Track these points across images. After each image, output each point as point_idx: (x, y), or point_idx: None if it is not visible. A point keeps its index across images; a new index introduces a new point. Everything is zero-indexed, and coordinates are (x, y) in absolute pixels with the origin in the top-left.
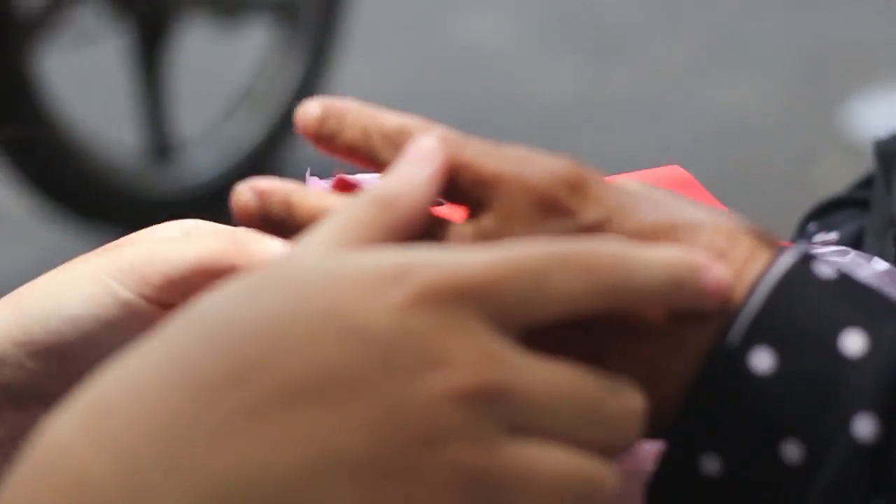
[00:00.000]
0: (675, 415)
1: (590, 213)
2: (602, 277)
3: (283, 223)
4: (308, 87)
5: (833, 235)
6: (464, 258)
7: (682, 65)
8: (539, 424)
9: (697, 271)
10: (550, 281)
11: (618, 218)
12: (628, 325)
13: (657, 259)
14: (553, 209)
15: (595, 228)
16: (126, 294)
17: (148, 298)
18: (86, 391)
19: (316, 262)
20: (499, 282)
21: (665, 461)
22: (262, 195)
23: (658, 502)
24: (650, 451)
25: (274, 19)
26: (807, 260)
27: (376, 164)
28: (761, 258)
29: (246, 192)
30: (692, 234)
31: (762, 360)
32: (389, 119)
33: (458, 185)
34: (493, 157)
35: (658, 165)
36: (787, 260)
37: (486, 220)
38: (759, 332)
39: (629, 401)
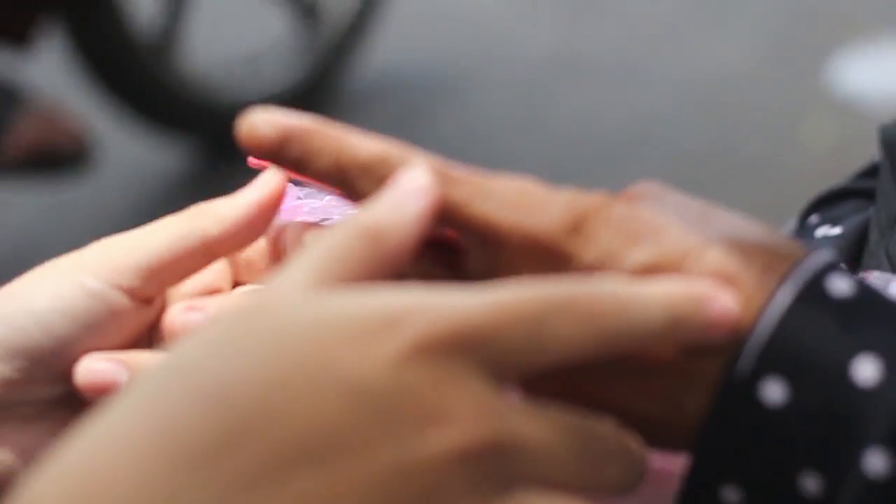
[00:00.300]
0: (693, 447)
1: (587, 255)
2: (602, 323)
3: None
4: (319, 76)
5: (837, 230)
6: (459, 302)
7: (663, 22)
8: (537, 474)
9: (700, 305)
10: (549, 328)
11: (617, 255)
12: (637, 362)
13: (657, 297)
14: (550, 256)
15: (593, 269)
16: (97, 285)
17: (124, 290)
18: (65, 453)
19: (301, 306)
20: (497, 329)
21: (686, 491)
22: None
23: None
24: (661, 468)
25: (294, 12)
26: (822, 275)
27: (352, 194)
28: (773, 278)
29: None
30: (698, 260)
31: (774, 392)
32: (364, 147)
33: (446, 224)
34: (486, 199)
35: (638, 125)
36: (799, 279)
37: (477, 266)
38: (770, 362)
39: (628, 443)
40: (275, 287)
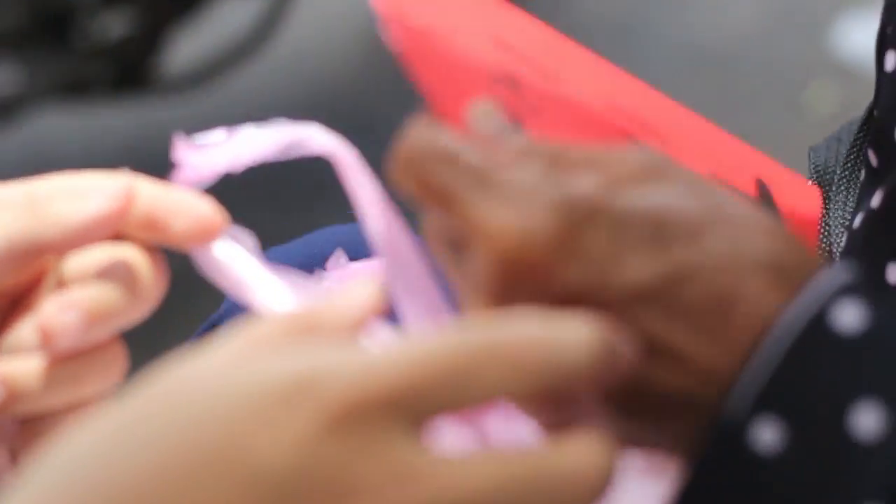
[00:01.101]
0: (679, 493)
1: (571, 276)
2: (527, 370)
3: None
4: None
5: None
6: (375, 362)
7: None
8: None
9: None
10: (473, 379)
11: (605, 275)
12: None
13: (580, 337)
14: (524, 276)
15: (577, 292)
16: None
17: None
18: None
19: (209, 381)
20: (417, 387)
21: None
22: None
23: None
24: None
25: None
26: (830, 305)
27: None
28: (773, 303)
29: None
30: (689, 284)
31: (767, 436)
32: None
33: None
34: (484, 197)
35: None
36: (802, 311)
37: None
38: (768, 402)
39: (578, 466)
40: (192, 364)
